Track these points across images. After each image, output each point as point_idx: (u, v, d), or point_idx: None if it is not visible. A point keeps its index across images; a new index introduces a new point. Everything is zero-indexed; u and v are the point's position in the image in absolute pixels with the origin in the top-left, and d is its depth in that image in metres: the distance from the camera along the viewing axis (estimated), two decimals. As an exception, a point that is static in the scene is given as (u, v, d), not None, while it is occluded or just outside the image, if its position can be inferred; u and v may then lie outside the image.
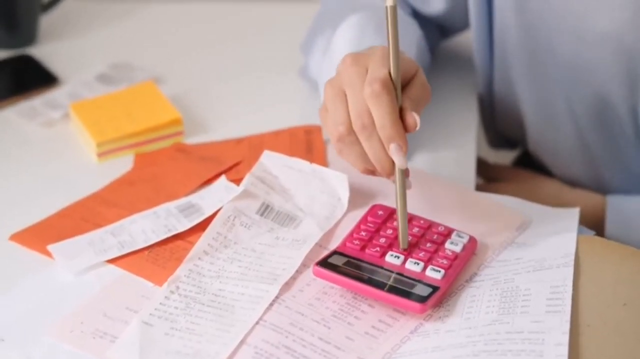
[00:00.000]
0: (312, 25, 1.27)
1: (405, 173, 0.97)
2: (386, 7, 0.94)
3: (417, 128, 0.95)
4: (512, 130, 1.33)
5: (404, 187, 0.97)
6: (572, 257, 0.97)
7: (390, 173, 0.97)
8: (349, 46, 1.12)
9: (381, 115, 0.94)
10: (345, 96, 0.97)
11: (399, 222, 0.98)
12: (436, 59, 1.33)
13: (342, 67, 0.98)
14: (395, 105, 0.95)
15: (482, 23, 1.23)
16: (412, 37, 1.19)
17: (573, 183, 1.29)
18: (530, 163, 1.37)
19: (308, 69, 1.27)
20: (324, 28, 1.22)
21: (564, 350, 0.87)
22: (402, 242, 0.98)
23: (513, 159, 1.48)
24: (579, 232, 1.01)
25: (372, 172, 1.00)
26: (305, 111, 1.25)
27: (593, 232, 1.03)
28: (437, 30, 1.30)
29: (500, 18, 1.21)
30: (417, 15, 1.27)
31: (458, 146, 1.21)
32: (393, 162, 0.96)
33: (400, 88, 0.96)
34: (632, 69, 1.13)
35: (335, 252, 0.98)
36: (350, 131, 0.96)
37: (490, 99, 1.30)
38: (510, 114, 1.29)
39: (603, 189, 1.26)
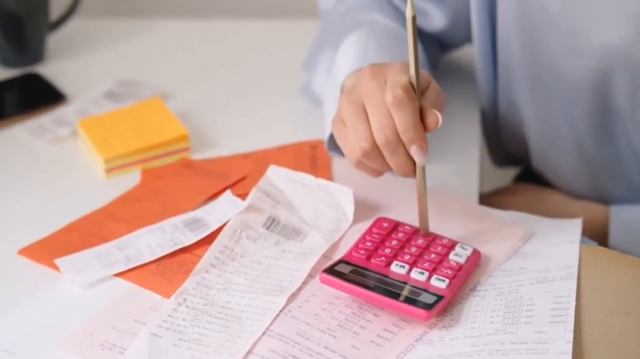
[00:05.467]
0: (314, 44, 1.28)
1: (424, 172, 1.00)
2: (407, 18, 0.96)
3: (439, 126, 0.98)
4: (516, 148, 1.33)
5: (425, 180, 1.00)
6: (575, 269, 0.98)
7: (411, 176, 1.00)
8: (353, 64, 1.13)
9: (404, 120, 0.96)
10: (365, 110, 0.98)
11: (421, 210, 1.02)
12: (438, 76, 1.34)
13: (362, 80, 0.98)
14: (417, 110, 0.97)
15: (485, 42, 1.24)
16: None
17: (576, 198, 1.30)
18: (533, 178, 1.37)
19: (312, 86, 1.27)
20: (326, 46, 1.23)
21: (568, 358, 0.88)
22: (423, 229, 1.03)
23: (516, 174, 1.49)
24: (582, 243, 1.02)
25: (381, 173, 1.02)
26: (311, 127, 1.25)
27: (595, 243, 1.04)
28: (436, 46, 1.31)
29: (503, 37, 1.21)
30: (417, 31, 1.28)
31: (461, 160, 1.21)
32: (414, 168, 0.99)
33: (420, 93, 0.98)
34: (638, 80, 1.14)
35: (341, 261, 0.99)
36: (374, 145, 0.98)
37: (494, 118, 1.31)
38: (515, 133, 1.29)
39: (606, 203, 1.27)
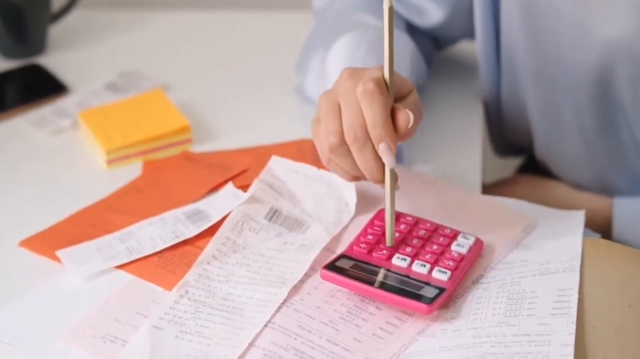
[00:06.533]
0: (306, 44, 1.28)
1: (394, 177, 0.98)
2: (384, 8, 0.95)
3: (410, 125, 0.96)
4: (519, 137, 1.33)
5: (393, 187, 0.98)
6: (578, 261, 0.98)
7: (380, 181, 0.98)
8: (343, 67, 1.12)
9: (373, 114, 0.94)
10: (339, 108, 0.97)
11: (387, 221, 0.99)
12: (440, 67, 1.34)
13: (340, 80, 0.98)
14: (388, 105, 0.95)
15: (488, 31, 1.24)
16: (404, 51, 1.19)
17: (579, 188, 1.30)
18: (536, 169, 1.37)
19: (305, 89, 1.27)
20: (317, 48, 1.23)
21: (570, 350, 0.88)
22: (389, 240, 0.99)
23: (519, 164, 1.49)
24: (584, 235, 1.02)
25: (358, 178, 1.01)
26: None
27: (598, 236, 1.04)
28: (432, 43, 1.31)
29: (506, 26, 1.21)
30: (412, 28, 1.27)
31: (464, 151, 1.22)
32: (383, 171, 0.97)
33: (393, 90, 0.97)
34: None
35: (342, 256, 0.99)
36: (342, 141, 0.96)
37: (497, 107, 1.31)
38: (518, 121, 1.30)
39: (609, 194, 1.27)
